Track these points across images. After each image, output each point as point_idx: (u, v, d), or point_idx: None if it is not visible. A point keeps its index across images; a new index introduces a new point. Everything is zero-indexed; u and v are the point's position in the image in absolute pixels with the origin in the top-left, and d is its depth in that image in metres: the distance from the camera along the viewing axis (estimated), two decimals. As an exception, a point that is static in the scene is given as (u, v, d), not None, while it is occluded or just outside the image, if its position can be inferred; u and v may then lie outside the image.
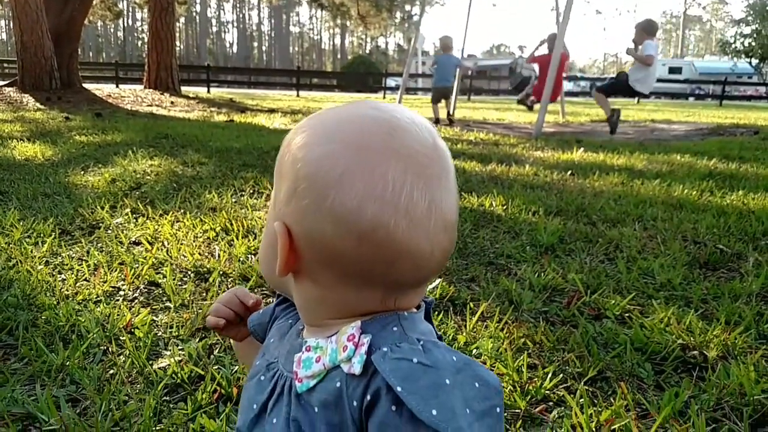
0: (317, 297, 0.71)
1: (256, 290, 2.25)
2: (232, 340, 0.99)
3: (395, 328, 0.69)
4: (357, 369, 0.64)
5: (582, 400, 1.51)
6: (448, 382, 0.62)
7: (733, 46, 37.99)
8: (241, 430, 0.76)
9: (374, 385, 0.63)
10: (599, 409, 1.49)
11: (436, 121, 10.98)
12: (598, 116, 13.39)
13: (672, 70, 42.95)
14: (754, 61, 36.83)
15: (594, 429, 1.40)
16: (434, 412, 0.60)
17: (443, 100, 11.39)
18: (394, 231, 0.63)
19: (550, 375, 1.64)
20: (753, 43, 36.13)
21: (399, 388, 0.61)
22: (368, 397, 0.63)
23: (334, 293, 0.69)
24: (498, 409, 0.63)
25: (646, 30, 9.04)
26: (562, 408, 1.51)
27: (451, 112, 11.47)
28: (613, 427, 1.39)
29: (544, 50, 10.83)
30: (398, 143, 0.65)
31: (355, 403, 0.64)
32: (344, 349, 0.66)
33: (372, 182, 0.63)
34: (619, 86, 9.44)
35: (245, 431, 0.75)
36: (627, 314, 2.10)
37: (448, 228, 0.68)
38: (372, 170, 0.63)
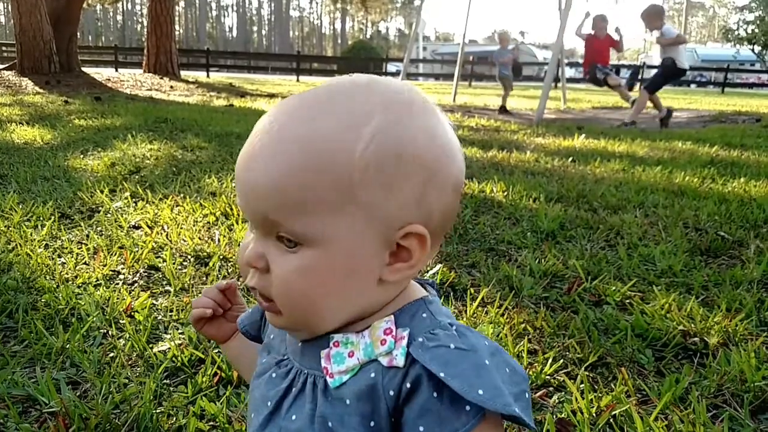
0: (385, 293, 0.71)
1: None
2: (220, 345, 0.99)
3: (424, 315, 0.71)
4: (401, 361, 0.66)
5: (582, 385, 1.51)
6: (487, 362, 0.64)
7: (736, 32, 37.77)
8: (252, 429, 0.75)
9: (413, 373, 0.65)
10: (600, 395, 1.49)
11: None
12: (599, 103, 13.36)
13: (674, 57, 42.76)
14: (757, 48, 36.65)
15: (594, 414, 1.40)
16: (480, 391, 0.61)
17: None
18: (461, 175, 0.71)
19: (550, 360, 1.64)
20: (756, 30, 35.92)
21: (442, 374, 0.62)
22: (407, 385, 0.65)
23: (414, 270, 0.69)
24: (527, 395, 0.65)
25: (659, 15, 8.89)
26: (563, 393, 1.51)
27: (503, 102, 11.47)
28: (613, 413, 1.39)
29: (588, 27, 10.47)
30: (413, 92, 0.69)
31: (391, 393, 0.66)
32: (382, 343, 0.68)
33: (441, 134, 0.68)
34: (671, 74, 9.15)
35: (258, 428, 0.74)
36: (628, 301, 2.09)
37: None
38: (435, 125, 0.67)
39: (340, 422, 0.68)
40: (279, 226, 0.65)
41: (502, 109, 11.09)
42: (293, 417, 0.71)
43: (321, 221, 0.64)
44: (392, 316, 0.70)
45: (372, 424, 0.67)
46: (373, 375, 0.67)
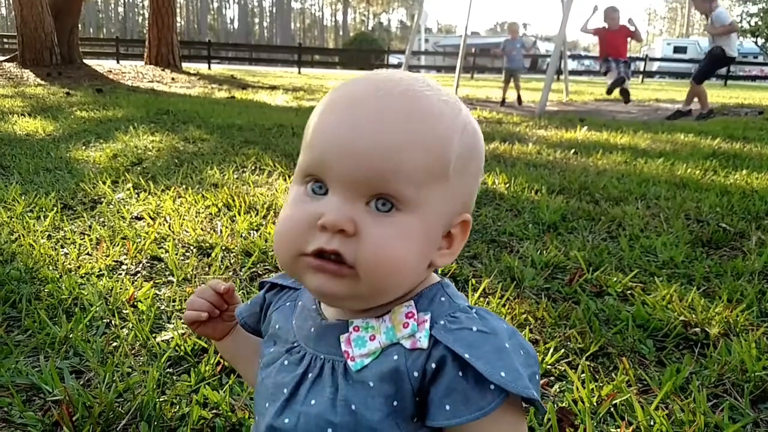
0: (423, 277, 0.74)
1: (258, 265, 2.25)
2: (215, 342, 0.97)
3: (443, 299, 0.74)
4: (425, 343, 0.69)
5: (583, 375, 1.52)
6: (507, 346, 0.68)
7: (740, 25, 37.60)
8: (268, 416, 0.75)
9: (437, 354, 0.68)
10: (600, 384, 1.50)
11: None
12: (601, 95, 13.31)
13: (677, 50, 42.56)
14: (761, 41, 36.49)
15: (595, 403, 1.41)
16: (503, 374, 0.65)
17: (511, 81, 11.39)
18: None
19: (551, 350, 1.65)
20: (760, 22, 35.75)
21: (467, 355, 0.66)
22: (432, 366, 0.68)
23: (454, 257, 0.75)
24: (537, 376, 0.69)
25: None
26: (564, 383, 1.52)
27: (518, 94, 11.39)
28: (614, 402, 1.40)
29: (597, 21, 10.27)
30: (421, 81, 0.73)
31: (416, 374, 0.69)
32: (404, 326, 0.70)
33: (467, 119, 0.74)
34: (720, 63, 8.93)
35: (274, 416, 0.74)
36: (629, 291, 2.10)
37: None
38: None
39: (364, 404, 0.70)
40: (389, 187, 0.66)
41: (519, 100, 10.90)
42: (312, 402, 0.71)
43: (426, 190, 0.68)
44: (412, 301, 0.72)
45: (395, 403, 0.69)
46: (396, 357, 0.70)
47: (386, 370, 0.70)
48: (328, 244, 0.66)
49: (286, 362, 0.76)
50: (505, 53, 11.47)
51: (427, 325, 0.70)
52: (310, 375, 0.73)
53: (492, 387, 0.65)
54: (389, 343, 0.71)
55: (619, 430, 1.28)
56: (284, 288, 0.87)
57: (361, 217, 0.67)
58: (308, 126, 0.72)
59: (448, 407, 0.67)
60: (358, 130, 0.67)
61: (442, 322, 0.70)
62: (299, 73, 23.69)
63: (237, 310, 0.92)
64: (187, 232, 2.57)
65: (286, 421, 0.73)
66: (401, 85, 0.69)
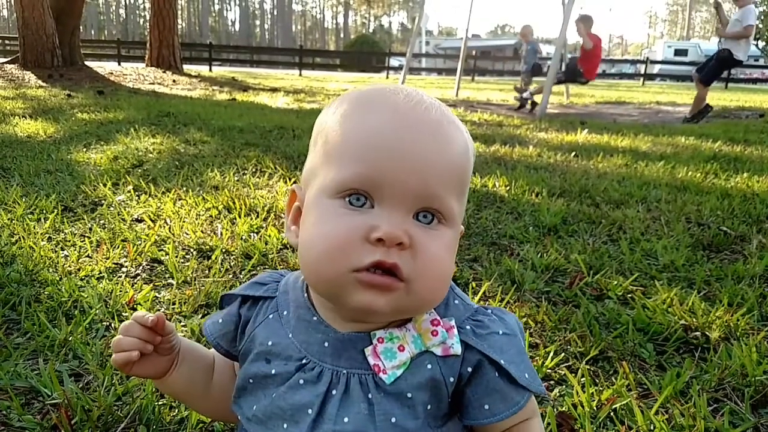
0: None
1: (258, 268, 2.25)
2: (156, 383, 0.89)
3: (456, 301, 0.78)
4: (458, 350, 0.72)
5: (583, 379, 1.51)
6: (522, 345, 0.76)
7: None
8: None
9: (472, 359, 0.73)
10: (600, 388, 1.49)
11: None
12: (602, 98, 13.31)
13: (678, 52, 42.59)
14: (761, 44, 36.50)
15: (595, 408, 1.40)
16: (526, 375, 0.74)
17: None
18: None
19: (551, 354, 1.64)
20: (761, 26, 35.76)
21: (502, 361, 0.72)
22: (469, 369, 0.73)
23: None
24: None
25: None
26: (564, 387, 1.51)
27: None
28: (614, 406, 1.39)
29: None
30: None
31: (451, 379, 0.73)
32: (434, 334, 0.72)
33: None
34: (726, 65, 8.84)
35: None
36: (629, 295, 2.09)
37: None
38: None
39: (404, 415, 0.71)
40: (437, 202, 0.69)
41: (533, 105, 10.87)
42: (345, 419, 0.70)
43: (460, 203, 0.73)
44: (432, 309, 0.74)
45: (429, 407, 0.72)
46: (429, 366, 0.72)
47: (423, 380, 0.71)
48: (388, 257, 0.65)
49: (301, 381, 0.73)
50: (521, 57, 11.55)
51: (455, 331, 0.73)
52: (334, 392, 0.71)
53: (522, 385, 0.73)
54: (418, 352, 0.72)
55: (619, 434, 1.27)
56: (258, 300, 0.83)
57: (414, 231, 0.67)
58: (343, 139, 0.70)
59: (487, 406, 0.73)
60: (417, 146, 0.68)
61: (468, 327, 0.74)
62: (300, 75, 23.72)
63: (209, 330, 0.86)
64: (187, 234, 2.57)
65: None
66: (423, 100, 0.73)
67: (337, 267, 0.66)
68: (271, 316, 0.80)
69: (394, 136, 0.68)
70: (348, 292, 0.67)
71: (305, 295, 0.79)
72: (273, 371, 0.76)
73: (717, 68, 8.92)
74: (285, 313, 0.79)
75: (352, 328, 0.73)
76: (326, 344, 0.73)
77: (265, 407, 0.76)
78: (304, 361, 0.74)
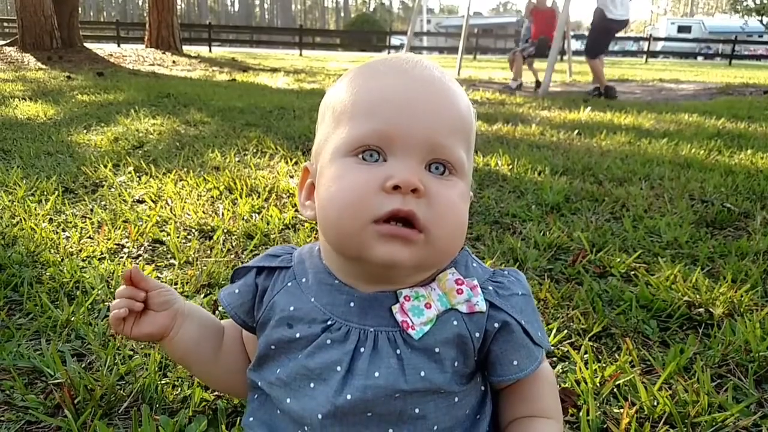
0: None
1: (260, 248, 2.24)
2: (162, 344, 0.89)
3: (474, 264, 0.82)
4: (483, 307, 0.75)
5: (587, 355, 1.51)
6: (534, 305, 0.81)
7: (745, 3, 37.20)
8: (322, 397, 0.73)
9: (498, 317, 0.76)
10: (604, 365, 1.49)
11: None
12: (606, 76, 13.18)
13: (681, 29, 42.19)
14: (766, 20, 36.13)
15: (598, 384, 1.40)
16: (539, 333, 0.79)
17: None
18: None
19: (554, 331, 1.64)
20: (765, 1, 35.37)
21: (523, 322, 0.77)
22: (495, 325, 0.76)
23: None
24: None
25: None
26: (567, 363, 1.51)
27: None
28: (617, 382, 1.39)
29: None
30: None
31: (477, 335, 0.76)
32: (459, 292, 0.75)
33: None
34: (604, 29, 8.46)
35: (334, 395, 0.72)
36: (633, 272, 2.08)
37: None
38: None
39: (432, 369, 0.73)
40: (448, 152, 0.72)
41: (537, 84, 10.68)
42: (376, 374, 0.72)
43: (469, 156, 0.76)
44: (453, 268, 0.77)
45: (456, 364, 0.75)
46: (456, 323, 0.75)
47: (450, 335, 0.74)
48: (404, 204, 0.68)
49: (328, 341, 0.74)
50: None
51: (479, 289, 0.76)
52: (362, 349, 0.73)
53: (535, 342, 0.78)
54: (444, 309, 0.74)
55: (622, 410, 1.27)
56: (274, 270, 0.84)
57: (427, 179, 0.70)
58: (352, 101, 0.73)
59: (515, 362, 0.77)
60: (424, 99, 0.71)
61: (490, 288, 0.78)
62: (300, 55, 23.56)
63: (224, 301, 0.86)
64: (188, 215, 2.57)
65: (349, 397, 0.72)
66: (424, 62, 0.77)
67: (357, 219, 0.68)
68: (289, 284, 0.81)
69: (402, 90, 0.71)
70: (371, 246, 0.68)
71: (323, 263, 0.81)
72: (297, 335, 0.77)
73: (595, 35, 8.61)
74: (303, 280, 0.80)
75: (377, 288, 0.76)
76: (352, 304, 0.75)
77: (291, 369, 0.77)
78: (329, 322, 0.75)
